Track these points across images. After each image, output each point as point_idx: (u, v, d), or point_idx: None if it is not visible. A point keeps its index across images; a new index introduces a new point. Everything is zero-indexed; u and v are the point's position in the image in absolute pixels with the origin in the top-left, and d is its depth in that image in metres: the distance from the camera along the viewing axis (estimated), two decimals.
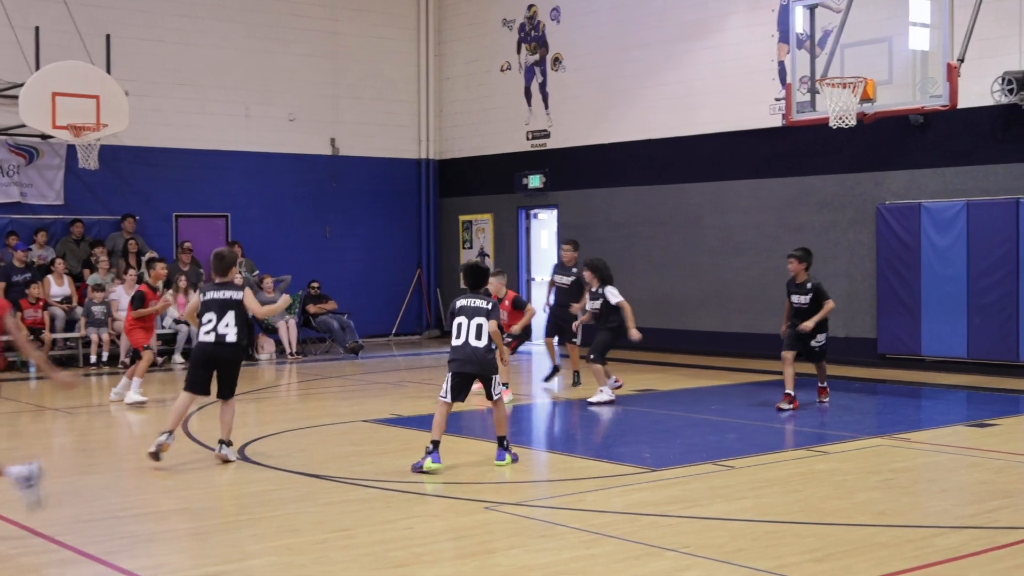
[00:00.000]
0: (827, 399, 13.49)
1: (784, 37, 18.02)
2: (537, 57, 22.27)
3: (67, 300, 18.87)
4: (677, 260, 20.04)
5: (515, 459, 10.02)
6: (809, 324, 13.00)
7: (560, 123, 21.97)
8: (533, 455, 11.05)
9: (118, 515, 8.34)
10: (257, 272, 20.63)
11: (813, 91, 15.48)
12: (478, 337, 9.74)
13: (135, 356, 14.09)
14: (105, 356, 18.29)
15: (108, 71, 18.80)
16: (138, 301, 14.10)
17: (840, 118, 14.47)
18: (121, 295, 18.60)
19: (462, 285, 10.64)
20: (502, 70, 22.93)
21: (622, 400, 13.95)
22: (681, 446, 10.95)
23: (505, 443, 9.99)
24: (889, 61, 15.20)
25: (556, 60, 21.95)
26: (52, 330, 18.24)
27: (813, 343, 13.18)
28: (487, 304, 9.87)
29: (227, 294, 10.05)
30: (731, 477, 9.44)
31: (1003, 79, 15.73)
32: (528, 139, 22.51)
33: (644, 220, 20.52)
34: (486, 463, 10.07)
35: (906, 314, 17.03)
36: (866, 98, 14.41)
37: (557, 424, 13.14)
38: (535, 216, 22.94)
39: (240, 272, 19.73)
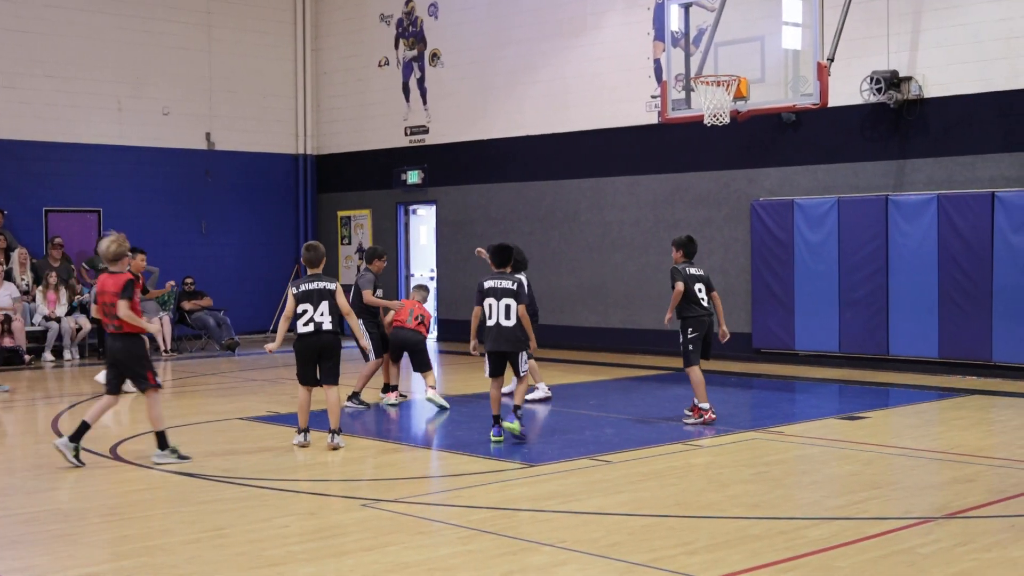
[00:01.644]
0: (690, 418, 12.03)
1: (660, 35, 18.25)
2: (415, 52, 22.18)
3: None
4: (556, 256, 20.16)
5: (523, 431, 10.84)
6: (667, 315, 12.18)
7: (438, 119, 21.92)
8: (411, 452, 11.01)
9: None
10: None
11: (688, 89, 15.69)
12: (507, 317, 10.61)
13: None
14: None
15: None
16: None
17: (714, 116, 14.70)
18: None
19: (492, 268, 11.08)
20: (380, 65, 22.78)
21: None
22: (559, 441, 11.01)
23: (519, 413, 10.86)
24: (762, 60, 15.48)
25: (434, 56, 21.89)
26: None
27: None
28: (513, 285, 10.69)
29: (321, 284, 10.41)
30: (608, 472, 9.51)
31: (871, 78, 16.14)
32: (406, 134, 22.42)
33: (522, 216, 20.59)
34: (362, 460, 10.00)
35: (780, 309, 17.39)
36: (740, 96, 14.66)
37: (436, 421, 13.07)
38: (414, 212, 22.86)
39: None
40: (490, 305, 10.68)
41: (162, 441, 9.82)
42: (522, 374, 10.88)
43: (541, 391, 13.57)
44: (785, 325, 17.37)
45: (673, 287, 11.84)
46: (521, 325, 10.67)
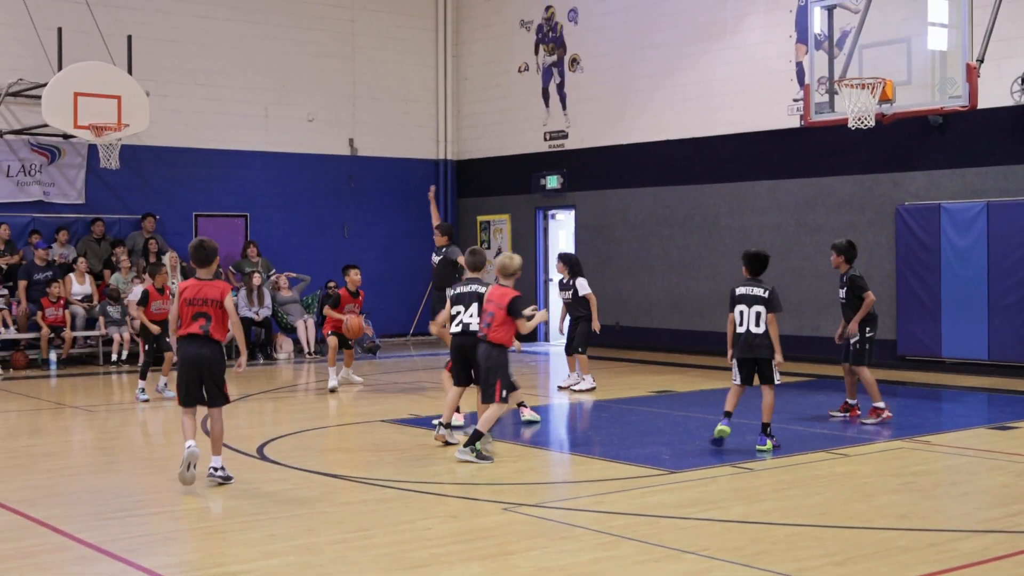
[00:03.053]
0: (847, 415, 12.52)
1: (802, 37, 17.96)
2: (555, 58, 22.26)
3: (88, 299, 18.95)
4: (694, 261, 20.01)
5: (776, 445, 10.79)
6: (852, 325, 12.34)
7: (578, 124, 21.96)
8: (551, 456, 11.06)
9: (136, 513, 8.37)
10: (274, 271, 20.69)
11: (832, 92, 15.43)
12: (757, 324, 10.85)
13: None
14: (125, 355, 18.36)
15: (129, 71, 18.87)
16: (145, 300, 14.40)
17: (859, 119, 14.42)
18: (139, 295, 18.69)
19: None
20: (520, 71, 22.92)
21: (640, 401, 13.93)
22: (700, 448, 10.92)
23: (769, 431, 10.91)
24: (908, 61, 15.15)
25: (574, 61, 21.93)
26: (73, 328, 18.30)
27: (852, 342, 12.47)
28: (764, 292, 10.86)
29: (474, 287, 10.73)
30: (750, 479, 9.41)
31: (1022, 79, 15.64)
32: (546, 140, 22.51)
33: (661, 220, 20.49)
34: (503, 464, 10.09)
35: (926, 316, 16.97)
36: (885, 99, 14.36)
37: (575, 425, 13.10)
38: (552, 216, 22.92)
39: (258, 272, 19.82)
40: (741, 312, 10.80)
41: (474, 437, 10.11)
42: (777, 382, 10.93)
43: (587, 383, 14.92)
44: (931, 332, 16.93)
45: (863, 296, 12.24)
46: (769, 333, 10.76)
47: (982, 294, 16.38)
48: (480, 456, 9.94)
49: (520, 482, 9.51)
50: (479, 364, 10.27)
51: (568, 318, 15.60)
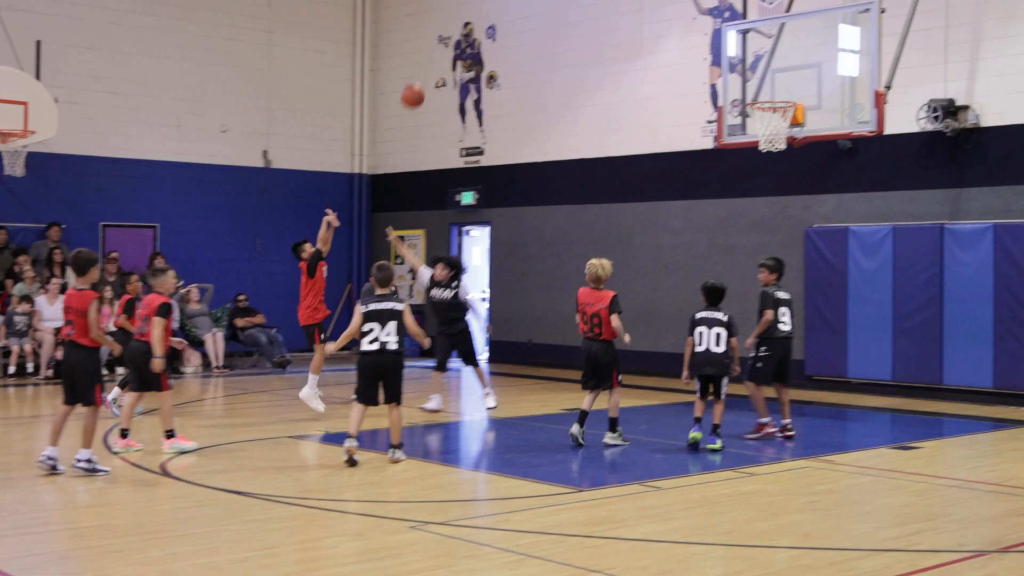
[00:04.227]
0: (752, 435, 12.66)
1: (717, 60, 18.21)
2: (472, 74, 22.28)
3: None
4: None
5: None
6: (748, 340, 12.68)
7: (494, 140, 21.99)
8: (460, 474, 11.01)
9: (33, 531, 8.17)
10: (182, 283, 20.35)
11: (744, 114, 15.64)
12: (717, 344, 11.77)
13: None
14: (30, 367, 17.94)
15: (37, 77, 18.51)
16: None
17: (770, 141, 14.63)
18: (43, 305, 18.29)
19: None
20: (437, 86, 22.90)
21: (551, 419, 13.95)
22: (609, 466, 10.96)
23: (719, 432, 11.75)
24: (819, 86, 15.41)
25: (491, 78, 21.97)
26: None
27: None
28: (724, 317, 11.78)
29: (390, 305, 10.64)
30: (659, 498, 9.46)
31: (928, 107, 16.00)
32: (462, 155, 22.51)
33: (576, 238, 20.58)
34: (412, 481, 10.03)
35: (833, 336, 17.23)
36: (796, 122, 14.60)
37: (483, 442, 13.06)
38: (467, 233, 22.91)
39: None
40: (701, 333, 11.72)
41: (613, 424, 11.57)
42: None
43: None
44: (838, 352, 17.21)
45: (761, 313, 12.46)
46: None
47: (887, 315, 16.69)
48: (622, 438, 11.79)
49: (428, 500, 9.45)
50: (598, 362, 11.73)
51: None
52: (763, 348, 12.48)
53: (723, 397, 11.78)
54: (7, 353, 18.04)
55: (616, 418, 11.86)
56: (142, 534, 8.04)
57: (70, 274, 19.26)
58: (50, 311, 18.16)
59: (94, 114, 20.56)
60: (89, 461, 9.91)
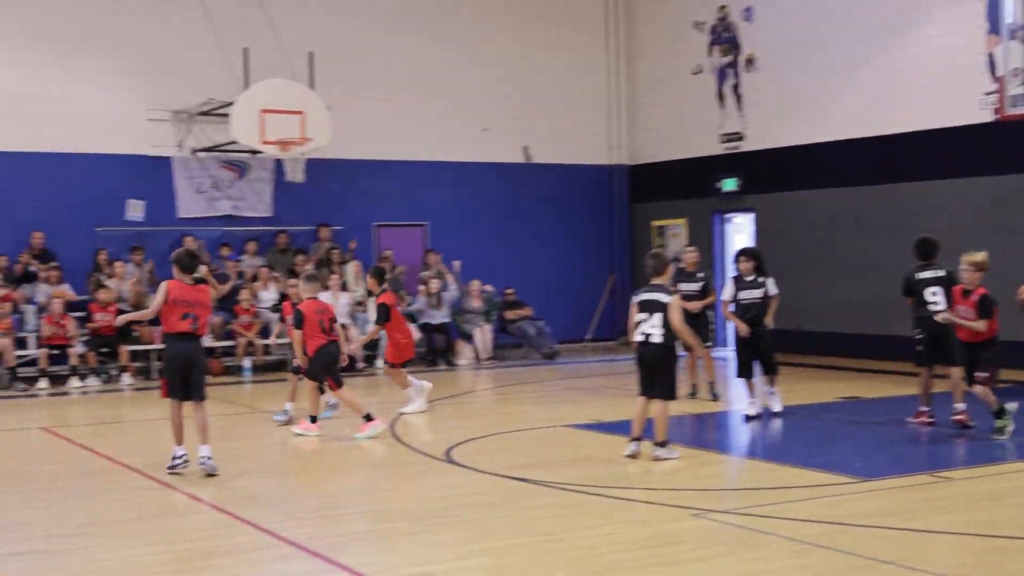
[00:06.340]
0: None
1: (994, 28, 17.25)
2: (730, 58, 21.94)
3: (275, 308, 19.47)
4: (880, 264, 19.34)
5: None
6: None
7: (755, 124, 21.57)
8: (737, 462, 10.88)
9: (334, 513, 8.62)
10: (449, 273, 20.77)
11: None
12: None
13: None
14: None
15: (312, 87, 19.37)
16: (384, 314, 13.57)
17: None
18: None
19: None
20: (693, 73, 22.66)
21: (827, 408, 13.61)
22: (891, 456, 10.58)
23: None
24: None
25: (749, 61, 21.57)
26: (264, 335, 18.76)
27: None
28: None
29: (655, 296, 10.30)
30: (948, 489, 9.06)
31: None
32: (721, 142, 22.19)
33: (844, 223, 19.93)
34: (688, 470, 9.99)
35: None
36: None
37: (759, 431, 12.82)
38: (729, 220, 22.60)
39: (436, 279, 20.11)
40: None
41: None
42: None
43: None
44: None
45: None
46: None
47: None
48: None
49: (707, 488, 9.40)
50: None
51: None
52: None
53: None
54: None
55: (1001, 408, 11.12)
56: (432, 518, 8.31)
57: (350, 273, 20.15)
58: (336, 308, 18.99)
59: (363, 119, 21.32)
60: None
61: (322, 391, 12.39)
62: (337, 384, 11.99)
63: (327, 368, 11.94)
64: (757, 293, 13.05)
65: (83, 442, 11.85)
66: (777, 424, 12.68)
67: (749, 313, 12.98)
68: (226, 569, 7.17)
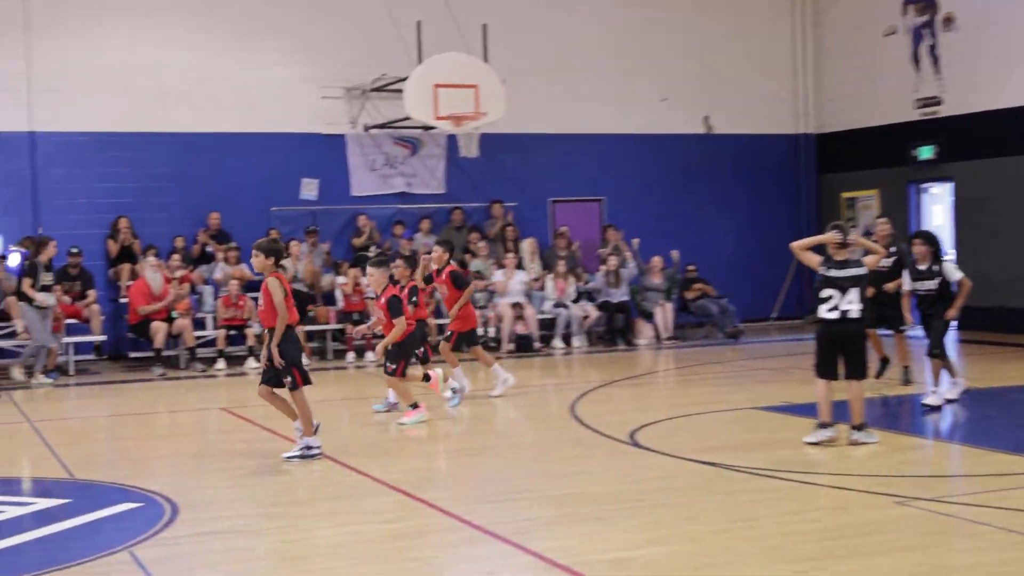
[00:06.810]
0: None
1: None
2: (926, 18, 20.75)
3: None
4: None
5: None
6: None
7: (954, 88, 20.32)
8: (939, 447, 10.33)
9: (518, 497, 8.38)
10: (628, 251, 20.20)
11: None
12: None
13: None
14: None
15: (485, 60, 19.06)
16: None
17: None
18: (500, 279, 18.89)
19: None
20: (885, 35, 21.55)
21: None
22: None
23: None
24: None
25: (947, 20, 20.34)
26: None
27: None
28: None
29: (851, 271, 9.74)
30: None
31: None
32: (917, 107, 21.02)
33: None
34: (887, 455, 9.47)
35: None
36: None
37: (956, 415, 11.88)
38: (926, 190, 21.45)
39: (614, 255, 19.58)
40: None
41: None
42: None
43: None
44: None
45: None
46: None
47: None
48: None
49: (910, 474, 8.88)
50: None
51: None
52: None
53: None
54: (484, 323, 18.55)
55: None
56: (622, 502, 8.04)
57: (525, 250, 19.83)
58: (508, 286, 18.74)
59: (537, 92, 20.94)
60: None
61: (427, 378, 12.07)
62: (403, 371, 11.63)
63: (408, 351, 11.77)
64: (931, 284, 11.66)
65: (262, 423, 11.82)
66: (976, 407, 11.85)
67: (923, 305, 11.77)
68: (413, 551, 7.09)
